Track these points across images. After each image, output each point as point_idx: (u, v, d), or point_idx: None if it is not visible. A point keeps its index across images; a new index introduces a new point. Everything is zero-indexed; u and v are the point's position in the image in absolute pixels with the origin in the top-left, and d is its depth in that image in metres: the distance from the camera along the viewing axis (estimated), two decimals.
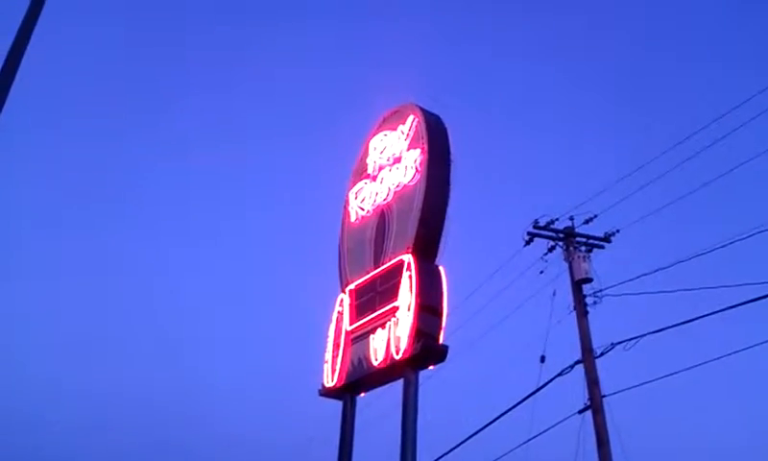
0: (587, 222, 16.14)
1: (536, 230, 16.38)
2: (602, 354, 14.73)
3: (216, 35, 67.69)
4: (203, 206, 67.95)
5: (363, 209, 12.66)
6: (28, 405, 40.04)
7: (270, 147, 70.79)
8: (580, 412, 14.55)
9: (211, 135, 67.96)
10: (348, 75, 69.00)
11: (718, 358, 13.20)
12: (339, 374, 11.63)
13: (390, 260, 11.22)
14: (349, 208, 13.08)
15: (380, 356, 10.64)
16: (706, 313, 12.90)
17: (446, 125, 12.03)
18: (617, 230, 16.18)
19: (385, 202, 12.03)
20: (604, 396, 14.42)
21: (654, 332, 13.87)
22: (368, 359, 10.98)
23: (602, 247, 16.20)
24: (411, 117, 12.23)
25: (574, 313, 15.38)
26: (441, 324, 10.24)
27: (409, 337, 10.03)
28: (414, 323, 10.05)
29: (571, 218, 16.28)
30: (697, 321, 13.06)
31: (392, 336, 10.45)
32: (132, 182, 64.48)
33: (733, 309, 12.34)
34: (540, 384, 15.24)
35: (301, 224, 62.84)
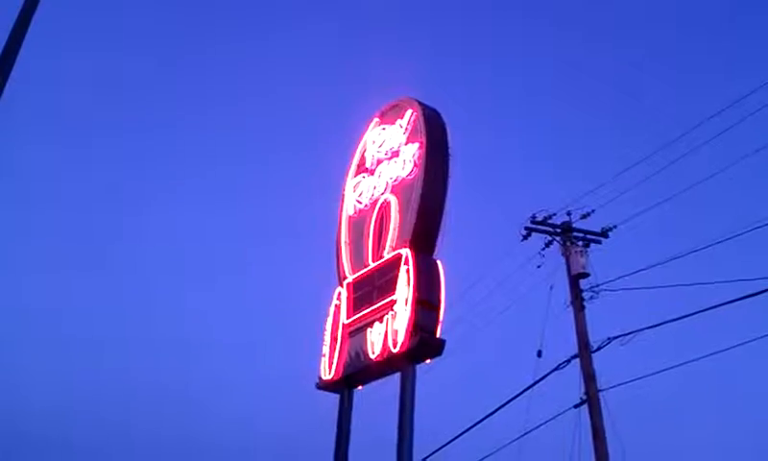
0: (584, 217, 16.21)
1: (533, 226, 16.43)
2: (598, 349, 14.80)
3: (215, 31, 67.61)
4: (198, 200, 67.80)
5: (361, 203, 12.66)
6: (37, 398, 40.18)
7: (267, 141, 70.70)
8: (576, 406, 14.61)
9: (206, 131, 67.84)
10: (348, 69, 68.94)
11: (715, 353, 13.29)
12: (336, 367, 11.65)
13: (388, 254, 11.23)
14: (347, 202, 13.08)
15: (377, 350, 10.66)
16: (702, 308, 12.96)
17: (445, 119, 12.04)
18: (614, 226, 16.26)
19: (383, 196, 12.03)
20: (600, 390, 14.47)
21: (650, 327, 13.95)
22: (365, 353, 11.00)
23: (599, 242, 16.25)
24: (409, 111, 12.23)
25: (571, 308, 15.43)
26: (438, 318, 10.26)
27: (406, 331, 10.04)
28: (411, 316, 10.06)
29: (568, 213, 16.35)
30: (694, 316, 13.12)
31: (389, 330, 10.47)
32: (128, 183, 64.42)
33: (730, 304, 12.41)
34: (537, 379, 15.30)
35: (300, 217, 62.73)
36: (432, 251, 10.88)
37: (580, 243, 15.99)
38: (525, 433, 15.35)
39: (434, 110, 12.16)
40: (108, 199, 60.74)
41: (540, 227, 16.41)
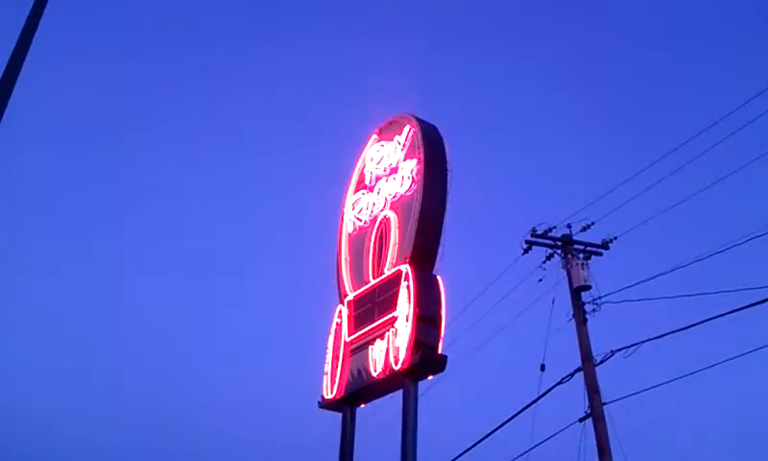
0: (584, 229, 16.12)
1: (534, 239, 16.36)
2: (602, 362, 14.68)
3: (214, 35, 67.83)
4: (200, 212, 67.86)
5: (360, 220, 12.66)
6: (29, 400, 40.21)
7: (268, 155, 70.85)
8: (581, 420, 14.48)
9: (208, 143, 68.07)
10: (346, 83, 69.16)
11: (718, 363, 13.17)
12: (338, 385, 11.59)
13: (388, 271, 11.20)
14: (347, 219, 13.07)
15: (379, 367, 10.61)
16: (705, 318, 12.88)
17: (443, 134, 12.05)
18: (615, 237, 16.18)
19: (382, 212, 12.03)
20: (604, 403, 14.35)
21: (653, 339, 13.84)
22: (367, 370, 10.95)
23: (600, 254, 16.17)
24: (407, 127, 12.24)
25: (573, 321, 15.35)
26: (439, 334, 10.22)
27: (408, 348, 10.00)
28: (412, 333, 10.02)
29: (569, 226, 16.26)
30: (696, 326, 13.04)
31: (391, 347, 10.43)
32: (129, 190, 64.56)
33: (733, 314, 12.33)
34: (541, 393, 15.19)
35: (301, 235, 62.73)
36: (432, 267, 10.86)
37: (581, 255, 15.93)
38: (531, 448, 15.22)
39: (432, 126, 12.18)
40: (107, 199, 60.91)
41: (540, 240, 16.35)
